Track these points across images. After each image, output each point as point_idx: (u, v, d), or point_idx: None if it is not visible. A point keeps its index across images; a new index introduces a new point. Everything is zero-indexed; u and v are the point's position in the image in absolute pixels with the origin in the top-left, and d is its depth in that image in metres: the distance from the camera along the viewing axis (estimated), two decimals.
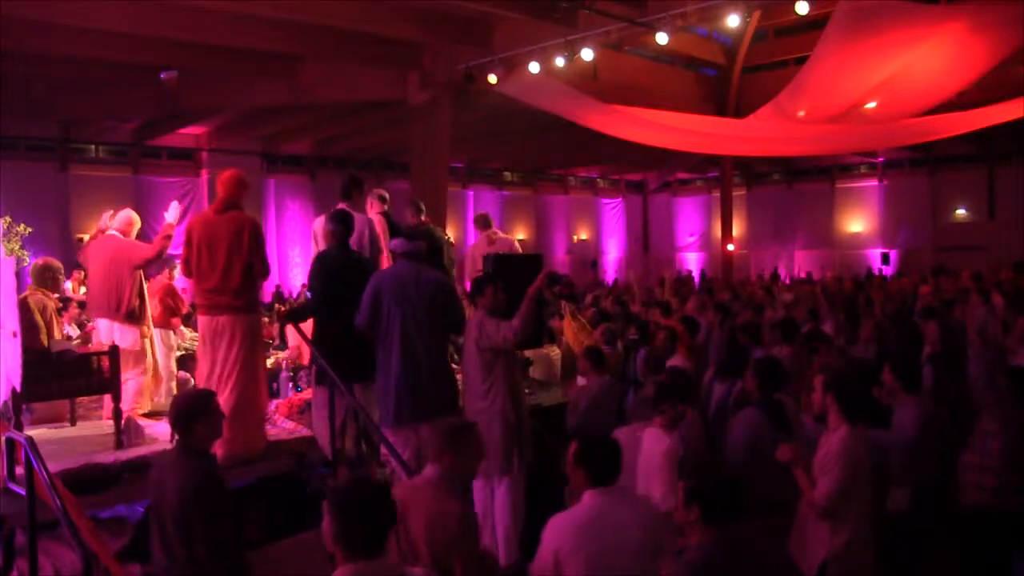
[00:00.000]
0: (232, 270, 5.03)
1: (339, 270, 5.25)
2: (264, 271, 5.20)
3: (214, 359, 5.04)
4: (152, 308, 6.42)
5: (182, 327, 7.68)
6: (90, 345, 5.91)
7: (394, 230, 6.49)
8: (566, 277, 13.64)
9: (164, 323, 6.98)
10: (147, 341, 6.02)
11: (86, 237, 15.97)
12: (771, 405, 4.50)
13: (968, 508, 4.28)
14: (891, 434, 4.51)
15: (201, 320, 5.19)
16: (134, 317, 5.83)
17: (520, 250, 8.40)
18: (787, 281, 18.73)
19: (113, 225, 6.07)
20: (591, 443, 3.10)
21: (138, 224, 6.20)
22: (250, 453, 5.08)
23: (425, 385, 4.82)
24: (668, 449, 3.98)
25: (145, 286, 6.08)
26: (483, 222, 8.09)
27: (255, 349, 5.22)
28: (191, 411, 3.39)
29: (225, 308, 5.04)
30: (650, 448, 4.07)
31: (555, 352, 7.95)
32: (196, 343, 6.09)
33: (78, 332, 7.84)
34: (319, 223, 5.88)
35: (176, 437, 3.46)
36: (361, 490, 2.39)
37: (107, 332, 5.84)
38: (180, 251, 5.28)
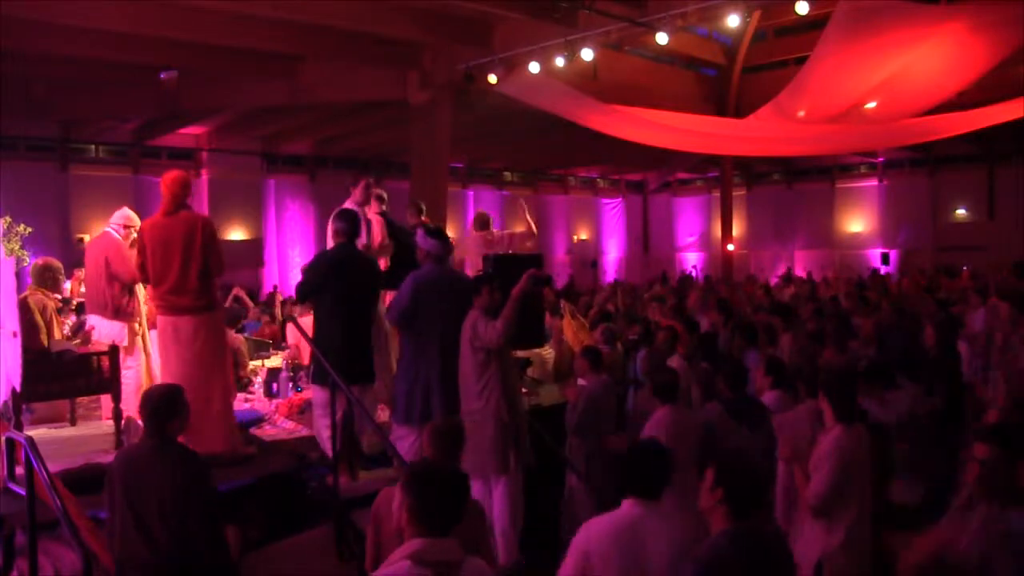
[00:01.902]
0: (189, 270, 5.03)
1: (347, 268, 5.25)
2: (220, 268, 5.20)
3: (177, 359, 5.02)
4: (150, 310, 6.42)
5: None
6: (90, 344, 5.90)
7: (392, 230, 6.51)
8: (549, 276, 13.52)
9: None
10: (138, 338, 6.03)
11: (87, 237, 15.98)
12: (737, 401, 4.67)
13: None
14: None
15: (161, 320, 5.16)
16: (122, 313, 5.85)
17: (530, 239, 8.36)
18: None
19: (110, 222, 6.09)
20: (645, 453, 3.04)
21: (137, 223, 6.20)
22: (210, 454, 5.03)
23: (455, 385, 4.93)
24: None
25: (139, 285, 6.09)
26: (482, 222, 8.06)
27: (219, 347, 5.22)
28: (169, 408, 3.44)
29: (186, 309, 5.04)
30: None
31: (548, 352, 7.94)
32: None
33: (75, 334, 7.82)
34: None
35: (148, 432, 3.50)
36: (441, 472, 2.55)
37: (99, 328, 5.87)
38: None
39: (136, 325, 6.02)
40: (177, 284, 5.02)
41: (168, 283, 5.04)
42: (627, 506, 2.92)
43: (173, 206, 5.13)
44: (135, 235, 6.20)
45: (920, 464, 4.52)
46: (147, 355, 6.15)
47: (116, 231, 6.07)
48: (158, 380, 6.50)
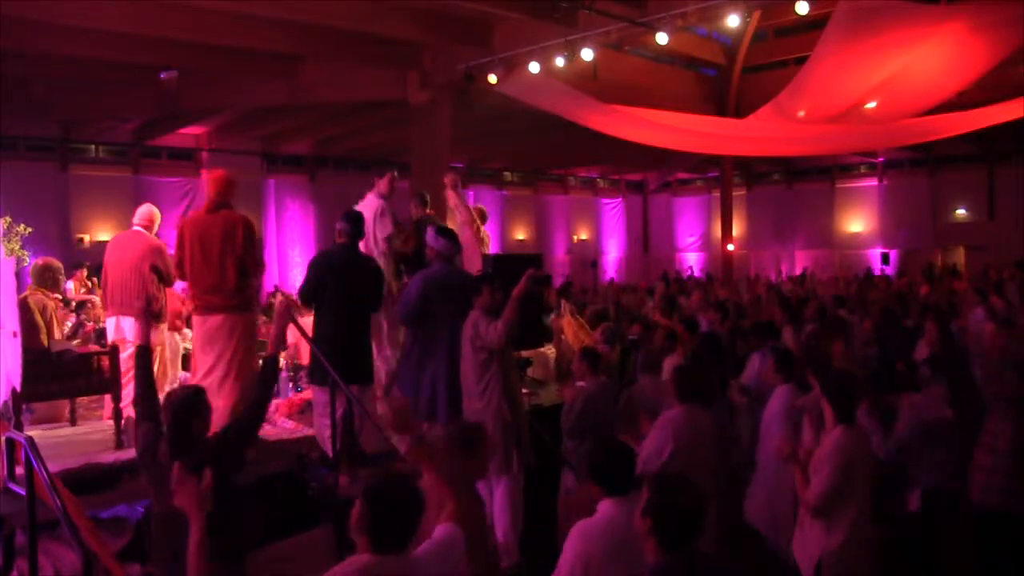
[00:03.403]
0: (227, 269, 5.03)
1: (347, 269, 5.25)
2: (258, 269, 5.21)
3: (210, 359, 5.03)
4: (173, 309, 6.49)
5: (185, 328, 7.68)
6: (91, 345, 5.90)
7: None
8: (549, 276, 13.51)
9: (171, 325, 6.96)
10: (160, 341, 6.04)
11: (87, 237, 16.03)
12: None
13: (979, 508, 4.28)
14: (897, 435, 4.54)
15: (195, 320, 5.18)
16: (162, 316, 5.84)
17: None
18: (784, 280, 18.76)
19: (135, 221, 6.07)
20: (607, 452, 3.02)
21: (158, 218, 6.20)
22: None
23: (459, 383, 4.96)
24: None
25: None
26: (483, 217, 8.00)
27: (251, 348, 5.22)
28: (189, 408, 3.40)
29: (220, 307, 5.04)
30: None
31: (550, 351, 7.94)
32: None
33: (74, 334, 7.82)
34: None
35: (169, 433, 3.44)
36: (395, 486, 2.43)
37: (132, 329, 5.81)
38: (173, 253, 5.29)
39: (163, 327, 6.02)
40: (215, 282, 5.03)
41: (206, 281, 5.05)
42: (607, 507, 2.91)
43: (215, 204, 5.14)
44: (157, 225, 6.20)
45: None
46: (162, 357, 6.15)
47: (145, 231, 6.02)
48: (168, 379, 6.55)
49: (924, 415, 4.53)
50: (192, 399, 3.48)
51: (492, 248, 7.76)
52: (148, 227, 6.02)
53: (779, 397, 4.94)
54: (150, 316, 5.72)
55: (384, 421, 5.16)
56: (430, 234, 5.45)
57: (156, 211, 6.16)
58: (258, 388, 3.69)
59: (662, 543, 2.41)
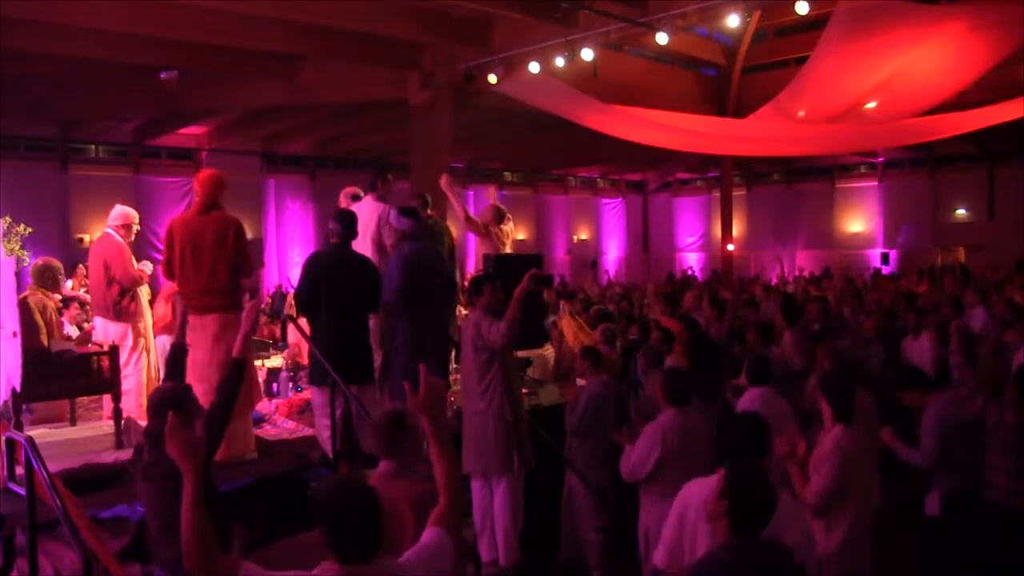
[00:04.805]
0: (218, 271, 5.03)
1: (340, 269, 5.24)
2: (248, 271, 5.20)
3: (201, 358, 5.01)
4: (165, 311, 6.47)
5: None
6: (90, 344, 5.92)
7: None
8: (551, 276, 13.42)
9: (173, 328, 6.93)
10: (141, 339, 6.03)
11: (87, 237, 16.06)
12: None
13: (988, 508, 4.29)
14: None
15: (190, 320, 5.15)
16: (124, 315, 5.87)
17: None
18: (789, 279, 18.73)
19: (107, 222, 6.09)
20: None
21: (135, 218, 6.20)
22: (243, 454, 5.09)
23: (445, 354, 5.05)
24: None
25: (141, 288, 6.11)
26: (498, 216, 7.81)
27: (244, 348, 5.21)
28: (166, 403, 3.28)
29: (215, 307, 5.04)
30: None
31: (548, 352, 7.91)
32: None
33: (78, 332, 7.83)
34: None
35: (148, 429, 3.39)
36: (346, 493, 2.27)
37: (102, 329, 5.90)
38: (162, 253, 5.30)
39: (140, 326, 6.02)
40: (206, 284, 5.02)
41: (196, 283, 5.04)
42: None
43: (206, 206, 5.12)
44: (136, 229, 6.21)
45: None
46: (149, 357, 6.16)
47: (115, 232, 6.07)
48: (159, 381, 6.54)
49: (949, 415, 4.49)
50: (171, 394, 3.39)
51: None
52: (120, 228, 6.05)
53: (751, 399, 4.93)
54: (122, 316, 5.82)
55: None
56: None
57: (130, 211, 6.17)
58: (217, 393, 3.53)
59: (734, 526, 2.54)
